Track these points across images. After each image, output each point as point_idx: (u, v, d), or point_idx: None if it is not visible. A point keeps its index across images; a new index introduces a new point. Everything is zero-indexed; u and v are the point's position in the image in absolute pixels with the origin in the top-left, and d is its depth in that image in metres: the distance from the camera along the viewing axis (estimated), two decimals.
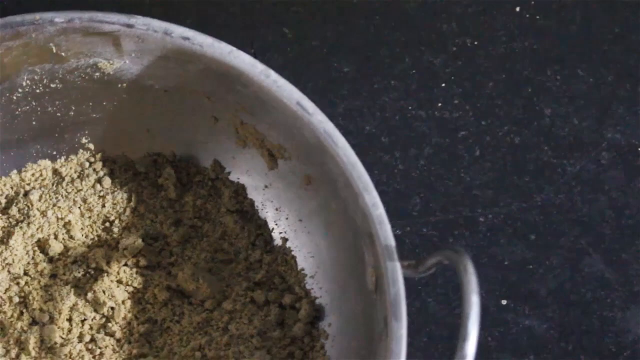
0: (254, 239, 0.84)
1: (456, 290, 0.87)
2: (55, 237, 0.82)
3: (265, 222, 0.84)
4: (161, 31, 0.74)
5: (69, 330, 0.80)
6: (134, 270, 0.82)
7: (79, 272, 0.82)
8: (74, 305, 0.81)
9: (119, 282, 0.81)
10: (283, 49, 0.94)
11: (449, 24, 0.95)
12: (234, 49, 0.74)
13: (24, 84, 0.79)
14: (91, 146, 0.86)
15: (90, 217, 0.83)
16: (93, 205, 0.83)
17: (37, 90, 0.80)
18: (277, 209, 0.84)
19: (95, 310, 0.81)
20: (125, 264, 0.82)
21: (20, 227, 0.82)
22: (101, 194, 0.84)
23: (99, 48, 0.77)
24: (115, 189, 0.85)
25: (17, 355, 0.79)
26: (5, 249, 0.81)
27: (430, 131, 0.92)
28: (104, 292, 0.81)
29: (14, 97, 0.80)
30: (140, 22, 0.75)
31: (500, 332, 0.85)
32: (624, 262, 0.89)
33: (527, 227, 0.90)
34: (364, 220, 0.70)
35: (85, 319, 0.80)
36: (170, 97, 0.80)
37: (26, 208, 0.83)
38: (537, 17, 0.95)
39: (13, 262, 0.81)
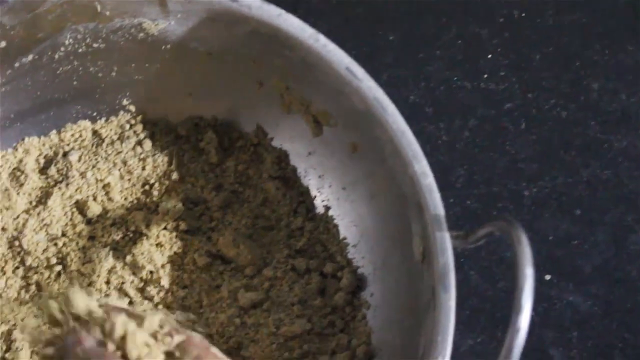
0: (295, 206, 0.83)
1: (499, 263, 0.87)
2: (94, 199, 0.81)
3: (308, 190, 0.83)
4: None
5: (107, 294, 0.79)
6: (174, 234, 0.81)
7: (117, 235, 0.81)
8: (112, 268, 0.80)
9: (159, 245, 0.80)
10: (327, 15, 0.93)
11: None
12: (283, 11, 0.73)
13: (67, 42, 0.78)
14: (132, 108, 0.85)
15: (129, 180, 0.82)
16: (133, 168, 0.82)
17: (80, 50, 0.79)
18: (320, 177, 0.83)
19: (134, 274, 0.80)
20: (165, 228, 0.81)
21: (59, 188, 0.81)
22: (141, 156, 0.83)
23: (144, 8, 0.76)
24: (156, 152, 0.84)
25: None
26: (44, 210, 0.81)
27: (475, 102, 0.91)
28: (142, 255, 0.80)
29: (56, 56, 0.79)
30: None
31: (543, 307, 0.85)
32: None
33: (572, 202, 0.89)
34: (412, 189, 0.69)
35: (123, 282, 0.80)
36: (214, 60, 0.79)
37: (65, 169, 0.82)
38: None
39: (51, 222, 0.81)
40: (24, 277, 0.80)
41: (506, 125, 0.91)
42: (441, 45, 0.93)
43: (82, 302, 0.59)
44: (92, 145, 0.84)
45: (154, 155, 0.83)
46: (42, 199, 0.81)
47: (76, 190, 0.81)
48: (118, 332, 0.57)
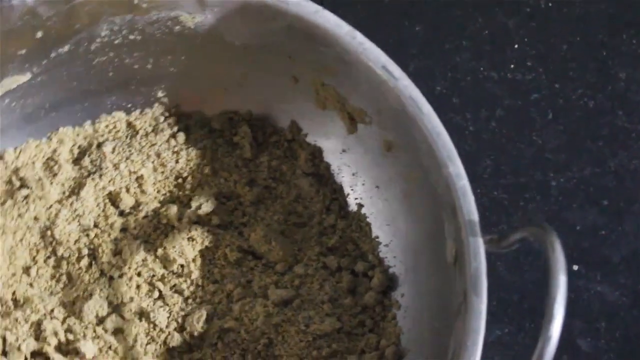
0: (328, 203, 0.82)
1: (526, 255, 0.87)
2: (127, 191, 0.81)
3: (341, 187, 0.83)
4: None
5: (137, 286, 0.79)
6: (206, 228, 0.81)
7: (149, 227, 0.81)
8: (143, 260, 0.80)
9: (190, 239, 0.80)
10: (354, 6, 0.93)
11: None
12: (320, 8, 0.72)
13: (103, 34, 0.78)
14: (167, 100, 0.85)
15: (163, 172, 0.82)
16: (166, 160, 0.82)
17: (116, 41, 0.79)
18: (353, 174, 0.82)
19: (165, 267, 0.80)
20: (197, 222, 0.81)
21: (92, 179, 0.81)
22: (175, 149, 0.83)
23: (181, 1, 0.75)
24: (190, 145, 0.83)
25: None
26: (76, 200, 0.81)
27: (502, 93, 0.91)
28: (174, 249, 0.80)
29: (92, 47, 0.79)
30: None
31: (571, 298, 0.83)
32: None
33: (600, 193, 0.89)
34: (446, 190, 0.68)
35: (154, 275, 0.80)
36: (250, 54, 0.79)
37: (99, 160, 0.82)
38: None
39: (83, 213, 0.81)
40: (55, 267, 0.80)
41: (533, 115, 0.91)
42: (468, 36, 0.93)
43: None
44: (126, 136, 0.84)
45: (188, 149, 0.83)
46: (75, 189, 0.81)
47: (109, 181, 0.81)
48: None
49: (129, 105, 0.84)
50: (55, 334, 0.77)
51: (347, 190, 0.83)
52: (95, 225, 0.81)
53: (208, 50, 0.80)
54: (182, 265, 0.80)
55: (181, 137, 0.84)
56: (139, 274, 0.80)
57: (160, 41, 0.79)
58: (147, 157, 0.82)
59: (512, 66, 0.92)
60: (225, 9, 0.75)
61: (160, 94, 0.84)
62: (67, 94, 0.82)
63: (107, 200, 0.81)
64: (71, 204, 0.81)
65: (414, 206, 0.76)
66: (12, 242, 0.80)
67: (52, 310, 0.78)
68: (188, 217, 0.80)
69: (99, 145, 0.83)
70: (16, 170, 0.82)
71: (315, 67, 0.77)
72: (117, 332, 0.78)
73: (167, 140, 0.83)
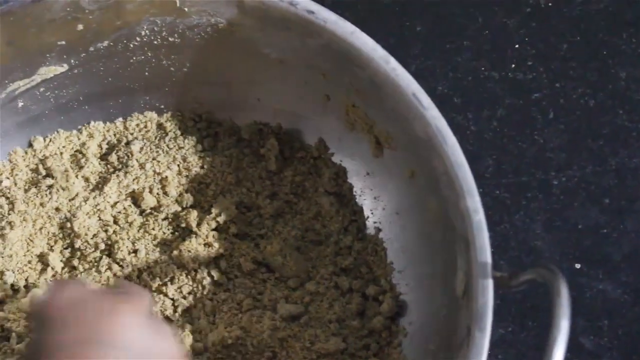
0: (347, 224, 0.82)
1: (529, 253, 0.87)
2: (150, 191, 0.82)
3: (361, 209, 0.83)
4: (287, 1, 0.73)
5: (150, 287, 0.80)
6: (223, 236, 0.81)
7: (168, 229, 0.82)
8: (157, 261, 0.80)
9: (206, 245, 0.81)
10: (355, 6, 0.94)
11: None
12: (357, 29, 0.72)
13: (143, 33, 0.78)
14: (199, 106, 0.85)
15: (187, 176, 0.83)
16: (192, 165, 0.83)
17: (155, 42, 0.79)
18: (375, 198, 0.82)
19: (178, 269, 0.80)
20: (215, 229, 0.81)
21: (117, 176, 0.82)
22: (201, 154, 0.83)
23: (222, 8, 0.76)
24: (216, 152, 0.84)
25: None
26: (99, 195, 0.81)
27: (503, 92, 0.92)
28: (189, 252, 0.80)
29: (131, 45, 0.79)
30: None
31: (573, 296, 0.82)
32: None
33: (601, 191, 0.89)
34: (462, 223, 0.68)
35: (166, 277, 0.80)
36: (285, 68, 0.79)
37: (126, 157, 0.83)
38: None
39: (105, 209, 0.81)
40: (69, 259, 0.80)
41: (534, 114, 0.91)
42: (469, 36, 0.93)
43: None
44: (155, 137, 0.84)
45: (214, 156, 0.83)
46: (99, 184, 0.82)
47: (133, 180, 0.82)
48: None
49: (162, 106, 0.85)
50: None
51: (367, 213, 0.82)
52: (115, 222, 0.82)
53: (244, 60, 0.80)
54: (195, 270, 0.80)
55: (209, 143, 0.84)
56: (151, 275, 0.80)
57: (198, 46, 0.80)
58: (173, 160, 0.83)
59: (513, 66, 0.92)
60: (264, 21, 0.75)
61: (193, 98, 0.85)
62: (101, 89, 0.83)
63: (129, 199, 0.82)
64: (94, 198, 0.81)
65: (430, 236, 0.76)
66: (32, 230, 0.81)
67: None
68: (207, 223, 0.81)
69: (128, 143, 0.84)
70: (44, 159, 0.83)
71: (347, 87, 0.77)
72: None
73: (195, 145, 0.84)
